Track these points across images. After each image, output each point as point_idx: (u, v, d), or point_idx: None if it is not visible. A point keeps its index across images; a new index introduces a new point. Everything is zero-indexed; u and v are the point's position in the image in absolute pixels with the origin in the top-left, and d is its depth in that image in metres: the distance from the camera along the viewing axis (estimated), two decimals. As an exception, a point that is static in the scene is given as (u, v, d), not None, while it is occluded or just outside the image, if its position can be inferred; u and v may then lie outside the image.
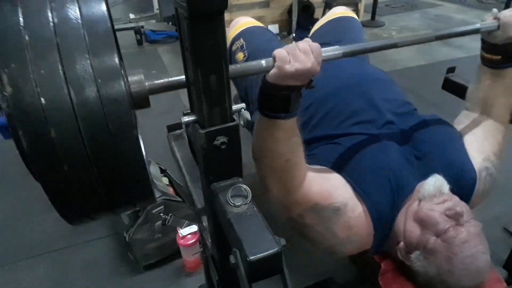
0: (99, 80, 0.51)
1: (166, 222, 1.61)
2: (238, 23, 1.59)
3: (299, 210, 0.94)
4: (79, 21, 0.52)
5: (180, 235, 1.61)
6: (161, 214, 1.61)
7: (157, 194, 1.64)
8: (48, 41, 0.50)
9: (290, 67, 0.74)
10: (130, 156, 0.56)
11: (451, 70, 1.47)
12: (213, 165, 0.75)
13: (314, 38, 1.66)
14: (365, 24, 4.91)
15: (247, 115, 1.57)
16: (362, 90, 1.18)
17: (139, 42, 4.51)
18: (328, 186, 0.96)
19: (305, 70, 0.75)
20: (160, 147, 2.02)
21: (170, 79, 0.70)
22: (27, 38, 0.50)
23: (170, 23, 4.93)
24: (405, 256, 0.95)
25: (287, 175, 0.90)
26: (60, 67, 0.50)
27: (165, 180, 1.89)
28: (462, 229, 0.87)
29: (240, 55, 1.50)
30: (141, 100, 0.64)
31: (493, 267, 0.98)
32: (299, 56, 0.74)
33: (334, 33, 1.58)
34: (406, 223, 0.95)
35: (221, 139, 0.71)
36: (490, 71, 1.08)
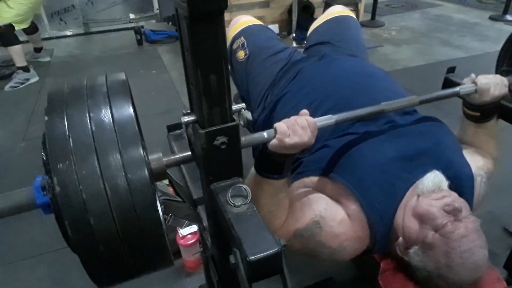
0: (128, 172, 0.62)
1: (166, 222, 1.61)
2: (238, 22, 1.60)
3: (285, 240, 0.97)
4: (112, 125, 0.63)
5: (180, 235, 1.61)
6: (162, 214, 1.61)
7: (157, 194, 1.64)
8: (87, 146, 0.61)
9: (289, 140, 0.83)
10: (153, 233, 0.65)
11: (451, 70, 1.47)
12: (213, 165, 0.75)
13: (312, 38, 1.67)
14: (365, 24, 4.91)
15: (247, 115, 1.57)
16: (363, 88, 1.19)
17: (139, 42, 4.52)
18: (301, 210, 1.00)
19: (302, 143, 0.85)
20: (160, 147, 2.03)
21: (183, 154, 0.84)
22: (71, 144, 0.61)
23: (170, 23, 4.93)
24: (403, 252, 0.96)
25: (267, 220, 0.94)
26: (97, 167, 0.60)
27: (165, 180, 1.89)
28: (461, 224, 0.88)
29: (241, 53, 1.51)
30: (159, 174, 0.75)
31: (493, 267, 0.98)
32: (297, 131, 0.84)
33: (332, 33, 1.59)
34: (404, 219, 0.95)
35: (221, 139, 0.71)
36: (471, 123, 1.17)
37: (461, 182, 1.02)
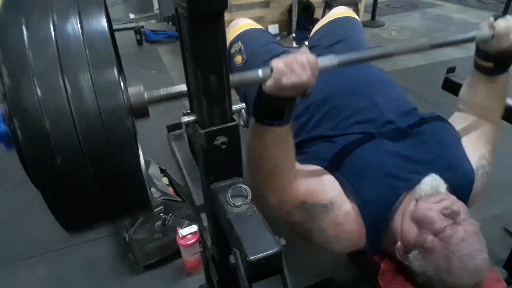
0: (99, 93, 0.53)
1: (166, 222, 1.61)
2: (236, 26, 1.59)
3: (287, 208, 0.96)
4: (81, 36, 0.54)
5: (180, 235, 1.61)
6: (161, 214, 1.61)
7: (157, 194, 1.64)
8: (51, 60, 0.52)
9: (287, 79, 0.75)
10: (127, 165, 0.57)
11: (451, 70, 1.47)
12: (213, 165, 0.75)
13: (315, 38, 1.67)
14: (365, 24, 4.91)
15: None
16: (362, 89, 1.18)
17: (139, 42, 4.52)
18: (316, 185, 0.98)
19: (301, 83, 0.76)
20: (160, 147, 2.03)
21: (168, 88, 0.72)
22: (31, 58, 0.51)
23: (170, 23, 4.93)
24: (403, 256, 0.95)
25: (275, 177, 0.92)
26: (61, 81, 0.51)
27: (165, 180, 1.89)
28: (460, 227, 0.88)
29: (238, 58, 1.50)
30: (140, 110, 0.66)
31: (493, 267, 0.98)
32: (296, 69, 0.76)
33: (335, 33, 1.58)
34: (403, 223, 0.95)
35: (221, 139, 0.71)
36: (482, 77, 1.09)
37: (460, 182, 1.01)
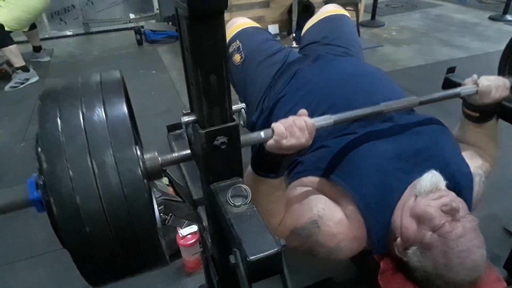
0: (120, 170, 0.61)
1: (166, 222, 1.61)
2: (234, 25, 1.60)
3: (283, 237, 0.97)
4: (105, 123, 0.63)
5: (180, 235, 1.61)
6: (161, 214, 1.61)
7: (157, 194, 1.64)
8: (80, 144, 0.61)
9: (287, 142, 0.83)
10: (146, 232, 0.65)
11: (451, 70, 1.47)
12: (213, 165, 0.75)
13: (306, 37, 1.67)
14: (365, 24, 4.91)
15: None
16: (359, 89, 1.19)
17: (139, 42, 4.52)
18: (300, 209, 1.01)
19: (299, 145, 0.84)
20: (160, 146, 2.03)
21: (179, 153, 0.82)
22: (64, 142, 0.61)
23: (170, 23, 4.93)
24: (402, 252, 0.96)
25: (264, 220, 0.93)
26: (90, 165, 0.60)
27: (165, 180, 1.89)
28: (458, 224, 0.88)
29: (237, 57, 1.51)
30: (155, 174, 0.74)
31: (493, 267, 0.98)
32: (295, 132, 0.84)
33: (326, 32, 1.59)
34: (402, 219, 0.95)
35: (221, 139, 0.71)
36: (471, 124, 1.17)
37: (459, 182, 1.02)
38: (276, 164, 0.90)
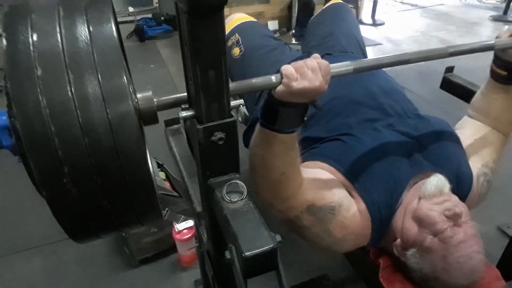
0: (107, 99, 0.51)
1: (163, 216, 1.61)
2: (232, 19, 1.60)
3: (296, 212, 0.95)
4: (88, 40, 0.52)
5: (176, 230, 1.61)
6: (158, 209, 1.61)
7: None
8: (57, 66, 0.50)
9: (297, 84, 0.73)
10: (137, 172, 0.56)
11: (450, 69, 1.47)
12: (210, 160, 0.75)
13: (309, 30, 1.68)
14: (365, 22, 4.91)
15: (245, 111, 1.57)
16: (362, 87, 1.18)
17: (140, 39, 4.50)
18: (323, 188, 0.97)
19: (312, 88, 0.74)
20: (157, 141, 2.02)
21: (177, 95, 0.73)
22: (36, 63, 0.49)
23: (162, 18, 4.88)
24: (401, 253, 0.96)
25: (281, 186, 0.90)
26: (69, 93, 0.50)
27: (162, 175, 1.89)
28: (460, 229, 0.88)
29: (236, 51, 1.50)
30: (149, 116, 0.65)
31: (492, 266, 0.99)
32: (307, 74, 0.74)
33: (327, 25, 1.60)
34: (404, 221, 0.95)
35: (219, 134, 0.71)
36: (497, 85, 1.08)
37: (459, 182, 1.02)
38: (288, 116, 0.80)
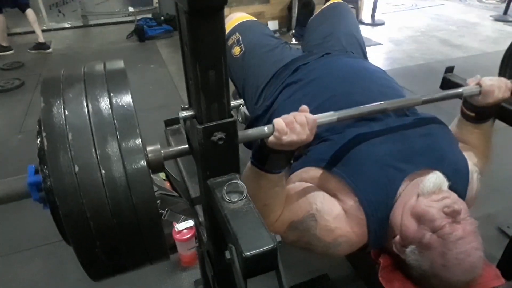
0: (126, 162, 0.60)
1: (163, 216, 1.61)
2: (232, 19, 1.60)
3: (280, 233, 0.97)
4: (110, 113, 0.62)
5: (176, 230, 1.61)
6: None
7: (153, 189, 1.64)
8: (85, 134, 0.60)
9: (287, 137, 0.83)
10: (150, 225, 0.64)
11: (450, 69, 1.47)
12: (210, 160, 0.75)
13: (308, 32, 1.69)
14: (365, 23, 4.91)
15: (245, 111, 1.57)
16: (361, 86, 1.19)
17: (140, 39, 4.50)
18: (298, 203, 1.01)
19: (300, 141, 0.84)
20: (157, 141, 2.03)
21: (181, 147, 0.81)
22: (68, 132, 0.59)
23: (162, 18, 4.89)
24: (400, 250, 0.96)
25: (263, 214, 0.94)
26: (95, 157, 0.59)
27: (162, 175, 1.89)
28: (459, 226, 0.88)
29: (236, 50, 1.50)
30: (157, 166, 0.73)
31: (491, 264, 0.99)
32: (295, 128, 0.84)
33: (327, 24, 1.61)
34: (403, 217, 0.95)
35: (219, 135, 0.71)
36: (468, 123, 1.17)
37: (457, 179, 1.02)
38: (277, 160, 0.89)
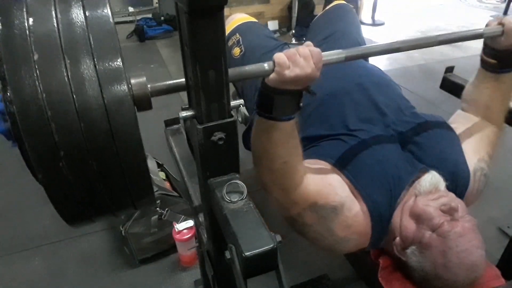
0: (103, 83, 0.51)
1: (163, 216, 1.61)
2: (233, 19, 1.60)
3: (298, 209, 0.95)
4: (84, 24, 0.52)
5: (176, 230, 1.61)
6: (158, 209, 1.61)
7: (153, 189, 1.64)
8: (53, 48, 0.50)
9: (290, 72, 0.74)
10: (131, 156, 0.56)
11: (450, 69, 1.47)
12: (210, 160, 0.75)
13: (311, 31, 1.69)
14: (365, 23, 4.91)
15: (245, 111, 1.57)
16: (362, 88, 1.18)
17: (141, 39, 4.50)
18: (326, 186, 0.97)
19: (304, 76, 0.75)
20: (157, 141, 2.02)
21: (171, 81, 0.71)
22: (32, 45, 0.49)
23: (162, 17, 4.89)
24: (401, 252, 0.96)
25: (285, 176, 0.91)
26: (65, 76, 0.50)
27: (162, 175, 1.89)
28: (457, 223, 0.88)
29: (236, 50, 1.50)
30: (143, 102, 0.64)
31: (492, 264, 0.99)
32: (298, 61, 0.75)
33: (329, 24, 1.61)
34: (402, 219, 0.96)
35: (219, 135, 0.71)
36: (488, 74, 1.09)
37: (456, 180, 1.02)
38: (284, 103, 0.80)
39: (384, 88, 1.21)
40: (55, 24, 0.50)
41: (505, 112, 1.14)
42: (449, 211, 0.89)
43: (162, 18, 4.68)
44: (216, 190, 0.74)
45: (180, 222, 1.62)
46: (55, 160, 0.51)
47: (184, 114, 0.73)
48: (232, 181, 0.74)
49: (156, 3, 5.16)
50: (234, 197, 0.71)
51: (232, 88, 1.12)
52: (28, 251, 1.78)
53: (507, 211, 1.94)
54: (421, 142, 1.05)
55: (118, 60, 0.52)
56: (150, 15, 4.86)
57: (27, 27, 0.49)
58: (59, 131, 0.50)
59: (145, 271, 1.68)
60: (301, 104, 0.83)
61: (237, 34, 1.53)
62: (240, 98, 1.56)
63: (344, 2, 1.72)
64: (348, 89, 1.18)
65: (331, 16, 1.68)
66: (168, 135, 1.72)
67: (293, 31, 4.28)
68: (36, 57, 0.49)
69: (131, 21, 4.63)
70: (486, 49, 1.06)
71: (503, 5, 5.21)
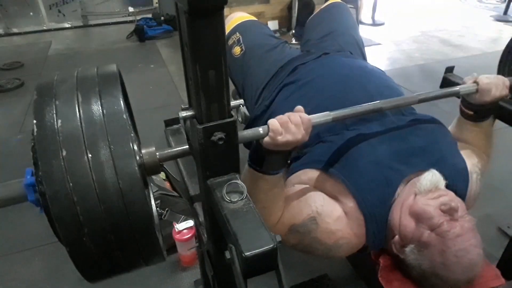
0: (118, 170, 0.61)
1: (162, 216, 1.61)
2: (233, 18, 1.60)
3: (281, 236, 0.97)
4: (101, 118, 0.63)
5: (176, 230, 1.61)
6: (158, 209, 1.61)
7: (153, 189, 1.64)
8: (76, 139, 0.62)
9: (282, 138, 0.83)
10: (143, 227, 0.65)
11: (450, 69, 1.47)
12: (210, 160, 0.75)
13: (307, 31, 1.69)
14: (365, 23, 4.91)
15: (245, 111, 1.57)
16: (359, 86, 1.19)
17: (140, 39, 4.50)
18: (298, 205, 1.00)
19: (295, 142, 0.84)
20: (157, 141, 2.02)
21: (177, 148, 0.82)
22: (60, 137, 0.61)
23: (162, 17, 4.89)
24: (399, 250, 0.96)
25: (263, 217, 0.93)
26: (86, 161, 0.61)
27: (162, 175, 1.89)
28: (456, 223, 0.89)
29: (237, 49, 1.50)
30: (153, 167, 0.75)
31: (491, 264, 0.99)
32: (290, 128, 0.84)
33: (325, 24, 1.62)
34: (401, 217, 0.96)
35: (219, 135, 0.71)
36: (467, 122, 1.17)
37: (455, 178, 1.02)
38: (274, 161, 0.90)
39: (384, 88, 1.21)
40: (79, 124, 0.62)
41: (491, 146, 1.20)
42: (449, 211, 0.90)
43: (162, 18, 4.69)
44: (216, 190, 0.74)
45: (180, 222, 1.62)
46: (80, 235, 0.61)
47: (184, 114, 0.73)
48: (232, 181, 0.74)
49: (156, 3, 5.16)
50: (234, 197, 0.71)
51: (231, 87, 1.12)
52: (28, 251, 1.79)
53: (507, 211, 1.94)
54: (421, 142, 1.05)
55: (130, 148, 0.63)
56: (150, 15, 4.87)
57: (56, 129, 0.61)
58: (83, 213, 0.60)
59: (144, 271, 1.67)
60: (289, 162, 0.95)
61: (237, 33, 1.53)
62: (240, 98, 1.56)
63: (339, 1, 1.72)
64: (348, 90, 1.18)
65: (327, 15, 1.68)
66: (168, 135, 1.72)
67: (293, 31, 4.28)
68: (64, 153, 0.60)
69: (131, 21, 4.64)
70: (464, 102, 1.14)
71: (503, 5, 5.21)
